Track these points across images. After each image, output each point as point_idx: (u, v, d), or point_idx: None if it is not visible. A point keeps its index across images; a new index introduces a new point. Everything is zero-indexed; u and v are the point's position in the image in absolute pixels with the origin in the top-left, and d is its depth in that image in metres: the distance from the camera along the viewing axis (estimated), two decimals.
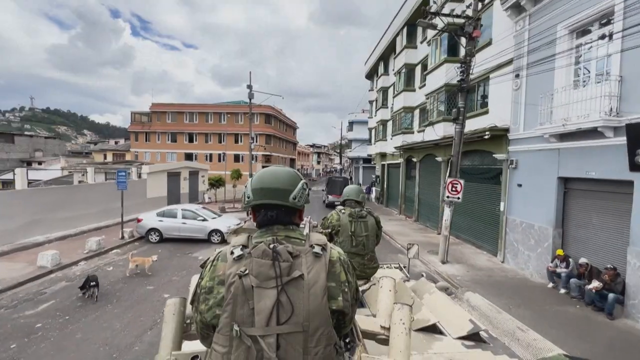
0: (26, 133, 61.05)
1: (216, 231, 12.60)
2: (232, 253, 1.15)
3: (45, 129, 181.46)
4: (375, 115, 27.89)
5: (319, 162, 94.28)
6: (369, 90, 30.62)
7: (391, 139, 22.70)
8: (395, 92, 20.42)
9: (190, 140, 44.11)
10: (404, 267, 3.81)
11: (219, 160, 39.25)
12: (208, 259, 1.24)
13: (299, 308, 1.07)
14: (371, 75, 30.18)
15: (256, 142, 41.02)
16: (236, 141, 43.20)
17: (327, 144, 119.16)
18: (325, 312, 1.10)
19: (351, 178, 43.09)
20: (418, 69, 18.79)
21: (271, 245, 1.13)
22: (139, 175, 18.58)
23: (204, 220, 12.68)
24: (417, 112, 18.72)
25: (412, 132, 19.09)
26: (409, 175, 20.35)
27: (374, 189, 29.18)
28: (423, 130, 16.36)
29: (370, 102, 30.47)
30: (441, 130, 13.83)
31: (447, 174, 10.32)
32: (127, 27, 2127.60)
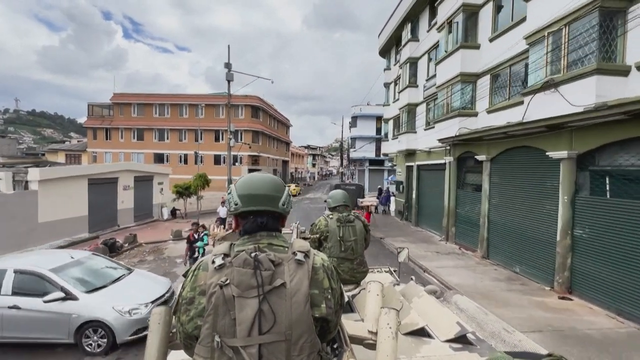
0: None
1: (97, 325, 5.26)
2: (213, 262, 1.11)
3: (30, 132, 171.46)
4: (396, 100, 20.72)
5: (314, 165, 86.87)
6: (385, 70, 23.41)
7: (427, 128, 15.61)
8: (444, 53, 13.31)
9: (161, 138, 36.47)
10: (395, 270, 3.71)
11: (196, 162, 31.78)
12: (190, 268, 1.20)
13: (281, 317, 1.04)
14: (388, 49, 23.01)
15: (240, 139, 33.59)
16: (216, 139, 35.70)
17: (322, 145, 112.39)
18: (308, 320, 1.07)
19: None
20: (485, 14, 11.75)
21: (253, 254, 1.10)
22: (24, 185, 11.05)
23: (67, 297, 5.27)
24: (485, 80, 11.66)
25: (475, 114, 12.02)
26: (463, 183, 13.25)
27: (393, 199, 21.94)
28: (510, 106, 9.30)
29: (386, 85, 23.27)
30: (590, 93, 6.74)
31: None
32: (119, 29, 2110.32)
